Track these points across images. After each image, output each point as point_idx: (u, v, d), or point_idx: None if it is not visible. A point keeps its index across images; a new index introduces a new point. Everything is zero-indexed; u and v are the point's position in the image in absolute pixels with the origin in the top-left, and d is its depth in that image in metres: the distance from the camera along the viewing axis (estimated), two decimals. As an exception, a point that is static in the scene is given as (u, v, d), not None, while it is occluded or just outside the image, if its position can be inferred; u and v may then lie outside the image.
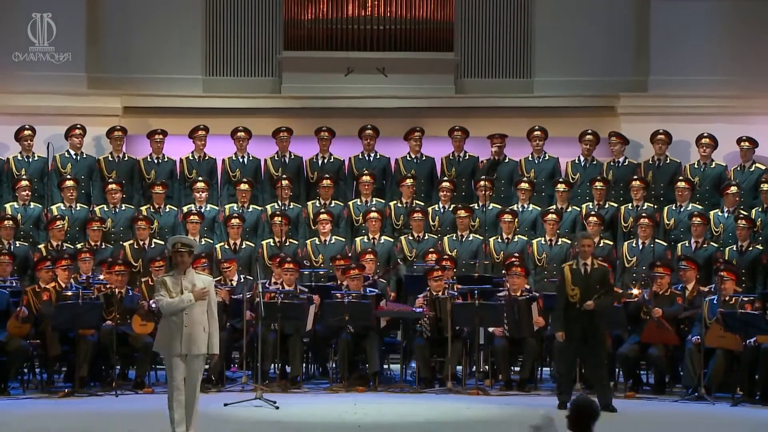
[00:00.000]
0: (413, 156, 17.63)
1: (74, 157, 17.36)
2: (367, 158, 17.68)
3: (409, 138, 17.65)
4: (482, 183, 16.85)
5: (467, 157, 17.69)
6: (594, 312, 13.28)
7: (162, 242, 16.27)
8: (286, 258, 15.39)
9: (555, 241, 16.30)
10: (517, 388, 14.72)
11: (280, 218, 16.35)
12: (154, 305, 11.51)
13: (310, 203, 17.14)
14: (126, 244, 16.30)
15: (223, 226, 16.60)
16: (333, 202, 17.07)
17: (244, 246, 16.31)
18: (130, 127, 18.06)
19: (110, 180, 17.06)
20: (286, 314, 14.61)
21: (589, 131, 17.50)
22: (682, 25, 18.41)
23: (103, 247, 16.15)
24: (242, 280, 15.53)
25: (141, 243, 16.22)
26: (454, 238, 16.47)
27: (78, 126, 17.36)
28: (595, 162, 17.52)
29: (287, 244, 16.37)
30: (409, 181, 17.08)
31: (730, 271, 14.80)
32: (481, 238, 16.44)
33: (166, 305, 11.02)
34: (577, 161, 17.54)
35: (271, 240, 16.44)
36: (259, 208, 17.02)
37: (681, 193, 16.72)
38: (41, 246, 16.12)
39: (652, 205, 16.71)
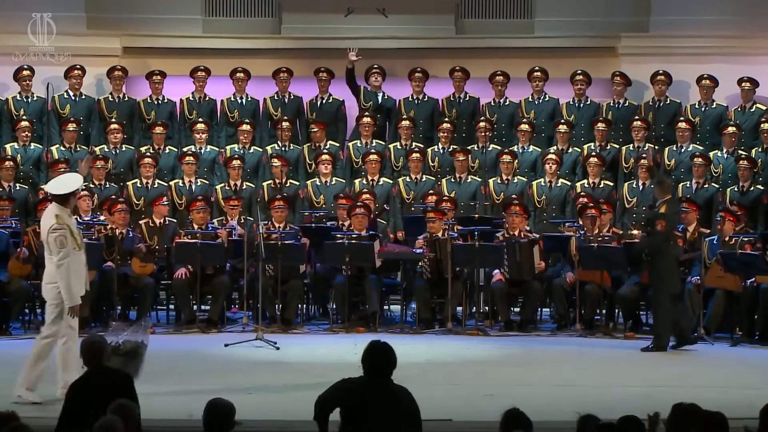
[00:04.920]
0: (415, 97, 17.57)
1: (73, 97, 17.28)
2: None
3: (410, 79, 17.57)
4: (482, 124, 16.82)
5: (467, 98, 17.62)
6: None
7: (164, 183, 16.28)
8: (276, 196, 15.40)
9: (555, 182, 16.28)
10: (517, 329, 14.78)
11: (278, 160, 16.32)
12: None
13: (305, 146, 17.08)
14: (129, 183, 16.30)
15: (223, 167, 16.57)
16: (328, 143, 17.00)
17: (244, 187, 16.29)
18: (130, 68, 17.95)
19: (112, 120, 17.00)
20: (286, 256, 14.65)
21: (579, 71, 17.39)
22: (684, -36, 18.27)
23: (108, 186, 16.14)
24: (243, 221, 15.54)
25: (145, 182, 16.21)
26: (453, 180, 16.43)
27: (77, 66, 17.24)
28: (589, 102, 17.45)
29: (287, 185, 16.35)
30: (405, 123, 17.01)
31: (730, 212, 14.82)
32: (480, 180, 16.42)
33: None
34: (571, 102, 17.47)
35: (271, 181, 16.41)
36: (260, 149, 16.99)
37: (681, 134, 16.67)
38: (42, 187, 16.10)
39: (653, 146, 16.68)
